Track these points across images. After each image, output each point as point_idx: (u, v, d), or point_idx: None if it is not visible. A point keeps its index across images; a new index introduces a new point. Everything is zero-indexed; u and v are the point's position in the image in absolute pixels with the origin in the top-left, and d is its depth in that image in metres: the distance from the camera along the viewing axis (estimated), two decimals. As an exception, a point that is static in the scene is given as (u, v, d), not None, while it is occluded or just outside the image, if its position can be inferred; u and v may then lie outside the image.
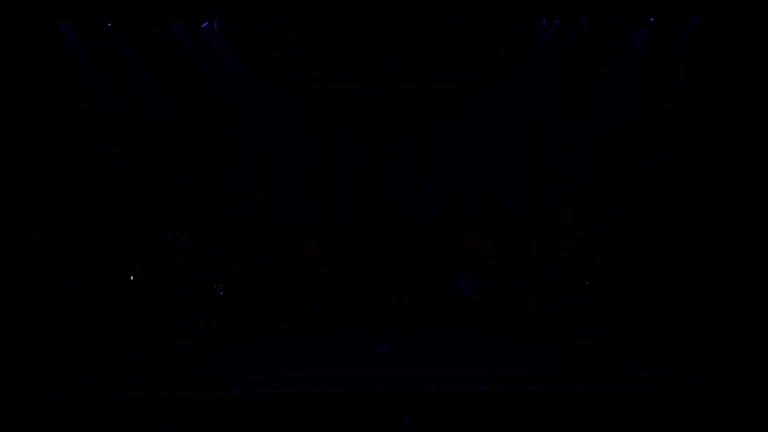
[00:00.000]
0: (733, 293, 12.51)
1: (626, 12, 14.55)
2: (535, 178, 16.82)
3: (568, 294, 15.17)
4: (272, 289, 15.44)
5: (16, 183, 13.70)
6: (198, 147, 16.62)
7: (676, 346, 13.21)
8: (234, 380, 11.81)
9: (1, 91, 13.29)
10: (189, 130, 16.60)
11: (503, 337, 13.90)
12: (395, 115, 16.78)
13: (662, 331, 13.95)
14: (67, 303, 13.89)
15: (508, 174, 16.82)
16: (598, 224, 16.38)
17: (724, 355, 11.82)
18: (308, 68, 16.09)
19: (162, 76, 16.06)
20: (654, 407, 10.89)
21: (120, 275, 15.32)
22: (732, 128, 13.59)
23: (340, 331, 14.22)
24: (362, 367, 12.28)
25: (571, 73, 16.11)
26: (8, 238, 13.49)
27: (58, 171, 14.40)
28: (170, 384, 11.77)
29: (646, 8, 14.48)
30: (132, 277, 15.37)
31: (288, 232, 16.46)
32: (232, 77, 16.30)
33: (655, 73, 15.35)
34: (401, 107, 16.75)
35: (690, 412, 10.49)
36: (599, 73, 16.04)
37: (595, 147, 16.53)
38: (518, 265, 16.02)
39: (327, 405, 11.12)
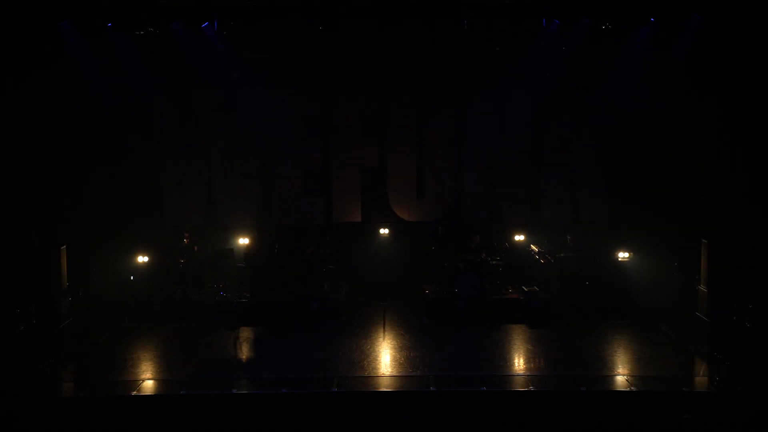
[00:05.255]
0: (734, 293, 12.50)
1: (626, 12, 14.55)
2: (535, 178, 16.82)
3: (568, 294, 15.17)
4: (272, 289, 15.44)
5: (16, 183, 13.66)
6: (198, 147, 16.64)
7: (677, 346, 13.23)
8: (234, 380, 11.84)
9: (1, 90, 13.28)
10: (189, 130, 16.62)
11: (503, 337, 13.90)
12: (395, 115, 16.78)
13: (662, 330, 13.96)
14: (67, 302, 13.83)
15: (508, 174, 16.81)
16: (598, 224, 16.41)
17: (725, 355, 11.82)
18: (308, 68, 16.11)
19: (162, 76, 16.07)
20: (655, 407, 10.90)
21: (119, 275, 15.33)
22: (732, 128, 13.57)
23: (340, 330, 14.21)
24: (362, 367, 12.30)
25: (571, 73, 16.11)
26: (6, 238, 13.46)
27: (58, 171, 14.37)
28: (170, 384, 11.80)
29: (646, 8, 14.47)
30: (132, 277, 15.37)
31: (288, 231, 16.46)
32: (233, 77, 16.31)
33: (655, 73, 15.35)
34: (401, 107, 16.75)
35: (690, 412, 10.49)
36: (599, 73, 16.04)
37: (595, 147, 16.54)
38: (518, 264, 16.03)
39: (327, 405, 11.14)
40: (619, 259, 15.43)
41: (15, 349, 11.88)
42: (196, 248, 16.05)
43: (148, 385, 11.62)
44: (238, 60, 15.92)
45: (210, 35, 15.10)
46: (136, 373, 12.12)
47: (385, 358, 12.82)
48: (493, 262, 15.63)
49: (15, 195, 13.10)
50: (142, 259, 15.37)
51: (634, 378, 11.75)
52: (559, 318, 14.58)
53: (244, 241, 16.17)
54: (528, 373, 12.11)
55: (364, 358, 12.73)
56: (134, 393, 11.28)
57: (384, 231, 16.98)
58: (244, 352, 13.52)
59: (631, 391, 11.28)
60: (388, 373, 12.09)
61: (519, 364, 12.67)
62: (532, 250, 16.30)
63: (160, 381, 11.87)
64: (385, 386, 11.65)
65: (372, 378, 11.93)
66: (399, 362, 12.55)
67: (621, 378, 11.84)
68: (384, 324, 14.49)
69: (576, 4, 14.65)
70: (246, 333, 14.29)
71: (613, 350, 13.18)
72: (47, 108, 13.57)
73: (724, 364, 11.50)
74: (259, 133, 16.75)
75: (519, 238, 16.48)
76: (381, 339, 13.73)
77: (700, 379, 11.87)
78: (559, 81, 16.35)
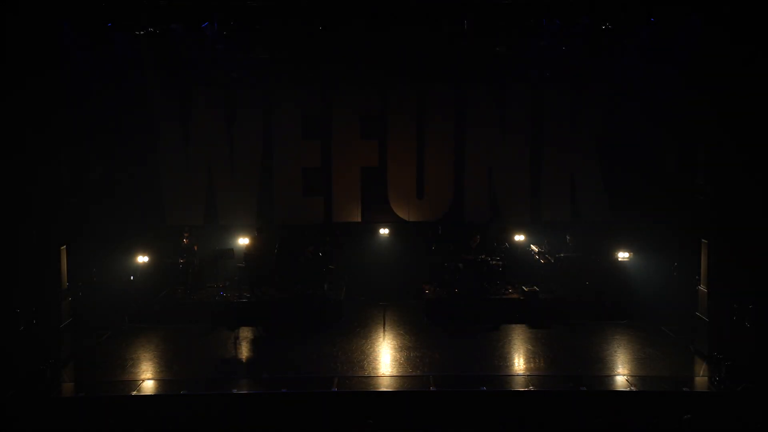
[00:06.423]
0: (734, 293, 12.49)
1: (626, 12, 14.55)
2: (535, 178, 16.83)
3: (568, 294, 15.16)
4: (272, 289, 15.43)
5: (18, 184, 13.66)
6: (198, 147, 16.64)
7: (677, 346, 13.22)
8: (234, 380, 11.83)
9: (1, 90, 13.28)
10: (189, 130, 16.62)
11: (503, 337, 13.89)
12: (395, 115, 16.79)
13: (662, 330, 13.96)
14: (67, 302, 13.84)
15: (508, 174, 16.82)
16: (598, 224, 16.41)
17: (725, 355, 11.81)
18: (308, 68, 16.11)
19: (162, 76, 16.07)
20: (655, 407, 10.89)
21: (119, 275, 15.33)
22: (731, 128, 13.57)
23: (340, 330, 14.21)
24: (362, 367, 12.29)
25: (572, 73, 16.12)
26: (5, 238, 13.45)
27: (58, 171, 14.36)
28: (170, 384, 11.80)
29: (646, 8, 14.47)
30: (132, 277, 15.36)
31: (288, 231, 16.46)
32: (232, 77, 16.31)
33: (655, 72, 15.35)
34: (401, 107, 16.75)
35: (690, 412, 10.49)
36: (599, 73, 16.05)
37: (595, 147, 16.55)
38: (518, 264, 16.02)
39: (327, 405, 11.14)
40: (619, 259, 15.43)
41: (15, 349, 11.88)
42: (196, 248, 16.07)
43: (148, 385, 11.62)
44: (238, 60, 15.93)
45: (210, 35, 15.11)
46: (136, 373, 12.11)
47: (385, 358, 12.82)
48: (493, 262, 15.62)
49: (15, 195, 13.10)
50: (142, 259, 15.37)
51: (634, 378, 11.75)
52: (559, 318, 14.57)
53: (244, 241, 16.15)
54: (528, 373, 12.10)
55: (364, 358, 12.73)
56: (134, 393, 11.28)
57: (384, 231, 16.98)
58: (244, 352, 13.51)
59: (631, 391, 11.27)
60: (388, 373, 12.08)
61: (519, 364, 12.66)
62: (532, 250, 16.30)
63: (160, 381, 11.86)
64: (385, 386, 11.64)
65: (372, 378, 11.93)
66: (399, 362, 12.54)
67: (621, 378, 11.84)
68: (384, 324, 14.49)
69: (576, 4, 14.66)
70: (246, 333, 14.28)
71: (613, 350, 13.17)
72: (47, 108, 13.56)
73: (724, 364, 11.49)
74: (259, 133, 16.76)
75: (519, 238, 16.49)
76: (381, 339, 13.73)
77: (700, 379, 11.86)
78: (559, 81, 16.37)
